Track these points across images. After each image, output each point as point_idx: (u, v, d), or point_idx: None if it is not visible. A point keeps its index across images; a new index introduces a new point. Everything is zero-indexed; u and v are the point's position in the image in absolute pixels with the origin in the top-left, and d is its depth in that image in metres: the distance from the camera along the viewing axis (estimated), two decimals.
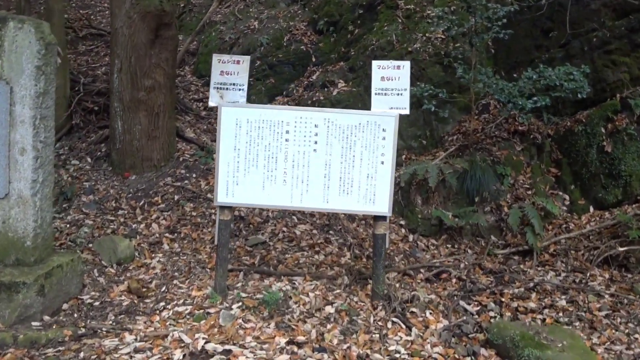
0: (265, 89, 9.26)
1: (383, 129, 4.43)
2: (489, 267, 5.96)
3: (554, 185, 7.16)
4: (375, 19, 9.08)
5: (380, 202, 4.48)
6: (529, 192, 6.85)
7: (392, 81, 4.49)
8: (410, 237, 6.45)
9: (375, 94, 4.51)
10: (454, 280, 5.56)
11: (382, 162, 4.46)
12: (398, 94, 4.49)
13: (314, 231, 6.13)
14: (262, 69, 9.47)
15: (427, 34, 8.16)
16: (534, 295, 5.31)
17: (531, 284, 5.50)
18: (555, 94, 6.44)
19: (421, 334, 4.31)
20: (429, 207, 6.66)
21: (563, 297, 5.22)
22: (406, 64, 4.52)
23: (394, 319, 4.47)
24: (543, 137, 7.32)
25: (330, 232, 6.17)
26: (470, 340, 4.33)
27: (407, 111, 4.51)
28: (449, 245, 6.48)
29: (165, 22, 6.96)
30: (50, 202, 4.45)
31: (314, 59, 9.60)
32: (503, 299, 5.18)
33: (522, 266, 6.06)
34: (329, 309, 4.49)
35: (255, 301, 4.46)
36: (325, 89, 8.39)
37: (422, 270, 5.66)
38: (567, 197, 7.04)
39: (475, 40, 6.68)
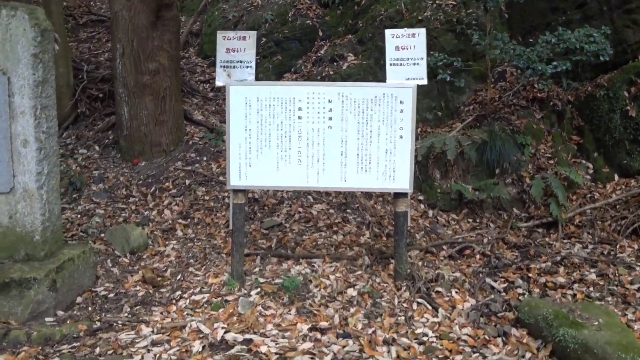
0: (272, 66, 9.01)
1: (400, 102, 4.20)
2: (513, 241, 5.76)
3: (576, 153, 6.90)
4: None
5: (401, 178, 4.27)
6: (551, 162, 6.61)
7: (407, 50, 4.25)
8: (430, 213, 6.25)
9: (390, 64, 4.27)
10: (478, 256, 5.37)
11: (401, 137, 4.24)
12: (414, 64, 4.25)
13: (331, 210, 5.94)
14: (268, 46, 9.20)
15: (437, 1, 7.86)
16: (562, 269, 5.10)
17: (558, 258, 5.30)
18: (575, 58, 6.16)
19: (448, 315, 4.13)
20: (448, 181, 6.45)
21: (592, 270, 5.00)
22: (421, 32, 4.27)
23: (419, 300, 4.29)
24: (563, 104, 7.04)
25: (348, 210, 5.98)
26: (500, 319, 4.14)
27: (424, 81, 4.28)
28: (470, 220, 6.28)
29: (165, 3, 6.72)
30: (58, 194, 4.29)
31: (320, 33, 9.31)
32: (530, 275, 4.98)
33: (547, 239, 5.85)
34: (351, 292, 4.33)
35: (274, 286, 4.31)
36: (335, 64, 8.14)
37: (444, 247, 5.47)
38: (590, 165, 6.79)
39: (489, 4, 6.38)
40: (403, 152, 4.25)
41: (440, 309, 4.18)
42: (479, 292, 4.59)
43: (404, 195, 4.37)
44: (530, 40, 7.44)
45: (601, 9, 7.24)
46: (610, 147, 6.71)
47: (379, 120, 4.22)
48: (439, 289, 4.52)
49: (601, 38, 6.16)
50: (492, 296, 4.46)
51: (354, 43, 8.40)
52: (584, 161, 6.82)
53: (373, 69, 7.86)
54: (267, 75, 8.91)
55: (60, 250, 4.27)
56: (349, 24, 8.96)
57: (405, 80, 4.25)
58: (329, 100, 4.20)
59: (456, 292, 4.52)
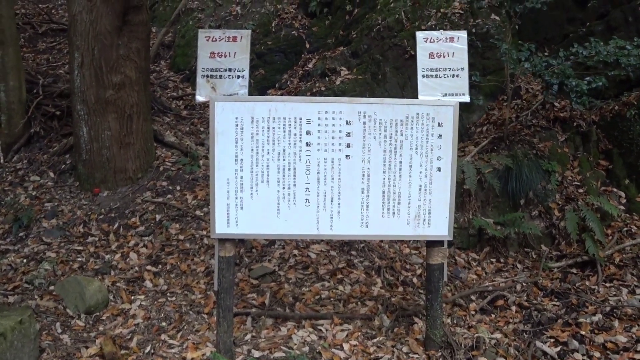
0: (254, 81, 8.05)
1: (438, 124, 3.27)
2: (547, 285, 4.88)
3: (605, 180, 6.07)
4: None
5: (438, 222, 3.33)
6: (580, 191, 5.75)
7: (444, 58, 3.33)
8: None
9: (423, 76, 3.35)
10: (513, 308, 4.45)
11: (439, 169, 3.30)
12: (453, 75, 3.34)
13: (332, 252, 4.96)
14: (249, 59, 8.23)
15: (442, 10, 7.01)
16: (616, 323, 4.22)
17: (607, 308, 4.42)
18: (612, 73, 5.36)
19: None
20: (465, 214, 5.53)
21: None
22: (462, 35, 3.36)
23: None
24: (587, 124, 6.23)
25: (352, 252, 5.01)
26: None
27: (467, 98, 3.37)
28: (493, 260, 5.37)
29: (133, 5, 5.73)
30: None
31: (308, 45, 8.41)
32: (583, 332, 4.08)
33: (586, 282, 4.98)
34: None
35: None
36: (326, 78, 7.21)
37: (473, 297, 4.53)
38: (622, 194, 5.96)
39: (515, 8, 5.55)
40: (441, 188, 3.30)
41: None
42: None
43: (439, 243, 3.42)
44: (546, 53, 6.66)
45: (626, 19, 6.50)
46: None
47: (410, 148, 3.28)
48: (483, 359, 3.56)
49: (636, 51, 5.37)
50: None
51: (347, 56, 7.50)
52: (615, 189, 5.99)
53: (370, 85, 6.96)
54: (249, 91, 7.92)
55: None
56: (340, 34, 8.08)
57: (442, 97, 3.32)
58: (347, 122, 3.24)
59: None
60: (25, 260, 4.92)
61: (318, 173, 3.28)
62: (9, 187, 6.19)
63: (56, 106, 7.23)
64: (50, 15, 10.47)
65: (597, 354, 3.84)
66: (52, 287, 4.44)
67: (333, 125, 3.24)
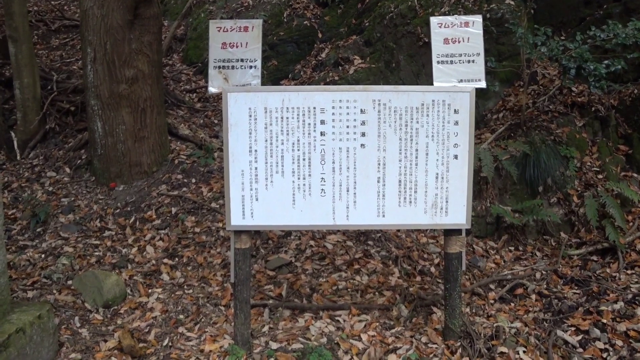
0: (267, 72, 8.01)
1: (455, 110, 3.21)
2: (567, 273, 4.80)
3: (625, 166, 5.96)
4: None
5: (455, 210, 3.27)
6: (599, 177, 5.65)
7: (459, 44, 3.27)
8: None
9: (438, 62, 3.28)
10: (533, 297, 4.39)
11: (456, 156, 3.25)
12: (469, 61, 3.27)
13: (349, 242, 4.93)
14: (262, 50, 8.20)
15: None
16: (639, 310, 4.13)
17: (629, 295, 4.34)
18: (632, 55, 5.24)
19: None
20: (483, 202, 5.47)
21: None
22: (477, 19, 3.29)
23: None
24: (606, 109, 6.11)
25: (369, 242, 4.97)
26: None
27: (483, 84, 3.30)
28: (512, 248, 5.30)
29: None
30: (1, 242, 3.22)
31: (320, 35, 8.35)
32: (604, 320, 4.00)
33: (607, 270, 4.89)
34: None
35: (292, 355, 3.28)
36: (340, 68, 7.15)
37: (491, 285, 4.48)
38: None
39: None
40: (458, 176, 3.25)
41: None
42: (553, 350, 3.60)
43: (457, 232, 3.37)
44: (562, 37, 6.54)
45: None
46: None
47: (426, 136, 3.22)
48: (503, 348, 3.51)
49: None
50: (575, 358, 3.47)
51: (360, 44, 7.43)
52: (635, 174, 5.88)
53: (384, 73, 6.90)
54: (262, 82, 7.89)
55: (5, 318, 3.19)
56: (352, 23, 8.01)
57: (458, 83, 3.26)
58: (362, 110, 3.19)
59: (524, 352, 3.53)
60: (43, 256, 4.95)
61: (333, 163, 3.24)
62: (25, 183, 6.24)
63: (70, 102, 7.27)
64: (62, 12, 10.52)
65: (619, 342, 3.76)
66: (70, 282, 4.46)
67: (347, 114, 3.20)
